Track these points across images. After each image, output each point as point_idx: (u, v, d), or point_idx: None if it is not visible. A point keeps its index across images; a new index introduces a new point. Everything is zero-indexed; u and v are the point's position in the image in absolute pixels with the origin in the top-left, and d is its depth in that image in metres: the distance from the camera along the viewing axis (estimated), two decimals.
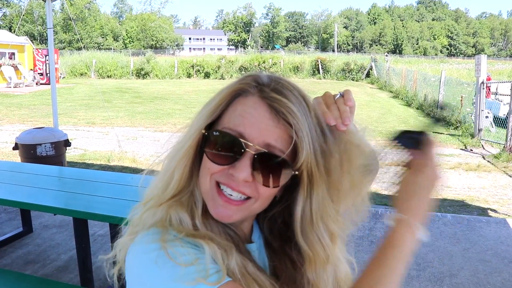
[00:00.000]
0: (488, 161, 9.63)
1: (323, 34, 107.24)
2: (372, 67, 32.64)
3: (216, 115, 0.88)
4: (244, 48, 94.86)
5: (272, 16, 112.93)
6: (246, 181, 0.85)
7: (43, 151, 6.09)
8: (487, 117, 12.08)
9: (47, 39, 7.39)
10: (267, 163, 0.85)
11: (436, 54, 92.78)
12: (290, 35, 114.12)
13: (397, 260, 0.85)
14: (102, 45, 73.97)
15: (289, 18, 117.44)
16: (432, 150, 1.00)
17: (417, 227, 0.89)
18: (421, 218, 0.91)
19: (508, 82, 15.34)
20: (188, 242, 0.84)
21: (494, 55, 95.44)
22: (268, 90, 0.86)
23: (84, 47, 50.03)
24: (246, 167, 0.84)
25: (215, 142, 0.86)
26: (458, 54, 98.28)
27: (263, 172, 0.86)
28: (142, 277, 0.80)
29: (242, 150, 0.84)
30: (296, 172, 0.87)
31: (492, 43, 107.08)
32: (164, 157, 0.95)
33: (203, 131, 0.87)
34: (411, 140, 0.99)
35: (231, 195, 0.86)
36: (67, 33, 72.89)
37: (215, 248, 0.84)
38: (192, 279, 0.76)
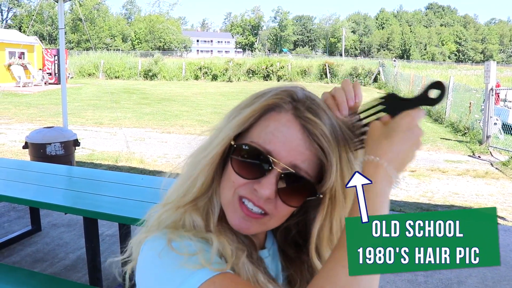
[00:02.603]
0: (496, 168, 9.58)
1: (330, 38, 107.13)
2: (379, 72, 32.61)
3: (246, 127, 0.87)
4: (252, 51, 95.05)
5: (280, 20, 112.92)
6: (269, 198, 0.84)
7: (53, 151, 6.12)
8: (495, 124, 12.01)
9: (56, 39, 7.50)
10: (292, 183, 0.85)
11: (444, 60, 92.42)
12: (297, 38, 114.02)
13: (371, 202, 0.71)
14: (111, 46, 74.31)
15: (297, 21, 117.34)
16: (419, 115, 0.80)
17: (389, 169, 0.74)
18: (395, 163, 0.75)
19: None
20: (195, 238, 0.85)
21: (503, 61, 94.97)
22: (302, 108, 0.85)
23: (93, 47, 50.30)
24: (271, 184, 0.84)
25: (243, 155, 0.86)
26: (467, 60, 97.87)
27: (287, 192, 0.85)
28: (146, 270, 0.82)
29: (270, 168, 0.84)
30: (320, 196, 0.87)
31: (501, 50, 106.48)
32: (186, 158, 0.94)
33: (232, 142, 0.87)
34: (396, 107, 0.84)
35: (251, 209, 0.86)
36: (75, 34, 73.30)
37: (224, 242, 0.84)
38: (195, 262, 0.77)
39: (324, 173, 0.85)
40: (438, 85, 0.80)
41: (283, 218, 0.90)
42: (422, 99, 0.82)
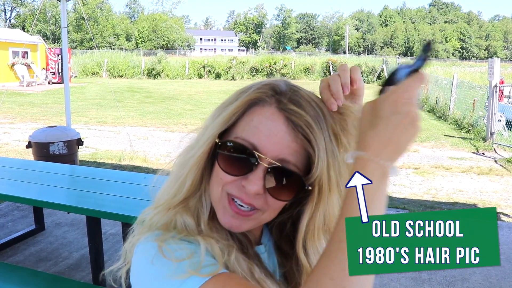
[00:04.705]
0: (500, 165, 9.55)
1: (334, 36, 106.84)
2: (383, 69, 32.55)
3: (231, 123, 0.87)
4: (255, 49, 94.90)
5: (283, 18, 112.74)
6: (257, 193, 0.84)
7: (56, 150, 6.13)
8: (499, 120, 11.98)
9: (59, 39, 7.51)
10: (280, 177, 0.84)
11: (448, 57, 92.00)
12: (301, 36, 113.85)
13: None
14: (114, 45, 74.40)
15: (300, 19, 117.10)
16: (412, 85, 0.72)
17: (379, 162, 0.69)
18: (386, 154, 0.69)
19: None
20: (186, 240, 0.84)
21: (507, 58, 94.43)
22: (285, 101, 0.84)
23: (96, 46, 50.37)
24: (258, 180, 0.83)
25: (228, 152, 0.85)
26: (470, 57, 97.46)
27: (275, 186, 0.84)
28: (140, 275, 0.82)
29: (256, 163, 0.83)
30: (309, 188, 0.86)
31: (505, 46, 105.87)
32: (175, 158, 0.94)
33: (217, 140, 0.86)
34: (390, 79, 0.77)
35: (241, 206, 0.85)
36: (78, 33, 73.42)
37: (212, 242, 0.83)
38: (184, 272, 0.76)
39: (311, 164, 0.84)
40: (428, 45, 0.74)
41: (275, 212, 0.89)
42: (414, 64, 0.74)
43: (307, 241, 0.90)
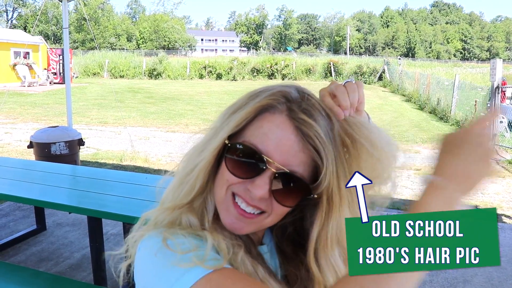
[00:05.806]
0: (502, 166, 9.53)
1: (335, 37, 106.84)
2: (384, 70, 32.49)
3: (241, 127, 0.87)
4: (256, 49, 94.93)
5: (284, 18, 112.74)
6: (262, 198, 0.84)
7: (57, 150, 6.14)
8: (501, 122, 11.94)
9: (61, 39, 7.51)
10: (286, 183, 0.85)
11: (449, 58, 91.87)
12: (302, 37, 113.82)
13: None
14: (115, 45, 74.41)
15: (301, 20, 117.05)
16: (484, 118, 0.79)
17: (451, 192, 0.70)
18: (461, 185, 0.71)
19: None
20: (192, 235, 0.85)
21: (509, 59, 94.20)
22: (297, 109, 0.84)
23: (97, 47, 50.41)
24: (264, 184, 0.83)
25: (237, 154, 0.85)
26: (472, 58, 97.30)
27: (281, 192, 0.85)
28: (144, 269, 0.83)
29: (264, 167, 0.83)
30: (315, 196, 0.86)
31: (507, 47, 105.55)
32: (182, 159, 0.94)
33: (226, 141, 0.86)
34: None
35: (245, 209, 0.86)
36: (80, 33, 73.49)
37: (219, 238, 0.84)
38: (189, 261, 0.77)
39: (319, 174, 0.84)
40: None
41: (278, 216, 0.89)
42: None
43: (319, 251, 0.89)
